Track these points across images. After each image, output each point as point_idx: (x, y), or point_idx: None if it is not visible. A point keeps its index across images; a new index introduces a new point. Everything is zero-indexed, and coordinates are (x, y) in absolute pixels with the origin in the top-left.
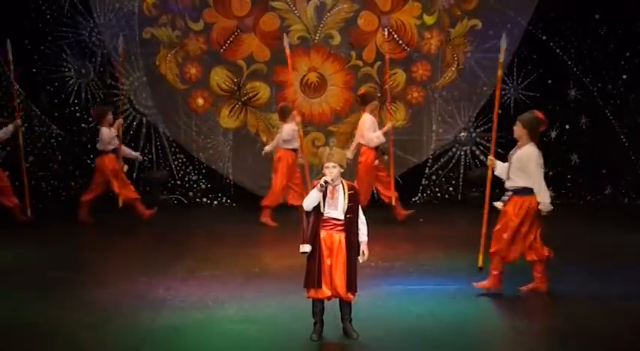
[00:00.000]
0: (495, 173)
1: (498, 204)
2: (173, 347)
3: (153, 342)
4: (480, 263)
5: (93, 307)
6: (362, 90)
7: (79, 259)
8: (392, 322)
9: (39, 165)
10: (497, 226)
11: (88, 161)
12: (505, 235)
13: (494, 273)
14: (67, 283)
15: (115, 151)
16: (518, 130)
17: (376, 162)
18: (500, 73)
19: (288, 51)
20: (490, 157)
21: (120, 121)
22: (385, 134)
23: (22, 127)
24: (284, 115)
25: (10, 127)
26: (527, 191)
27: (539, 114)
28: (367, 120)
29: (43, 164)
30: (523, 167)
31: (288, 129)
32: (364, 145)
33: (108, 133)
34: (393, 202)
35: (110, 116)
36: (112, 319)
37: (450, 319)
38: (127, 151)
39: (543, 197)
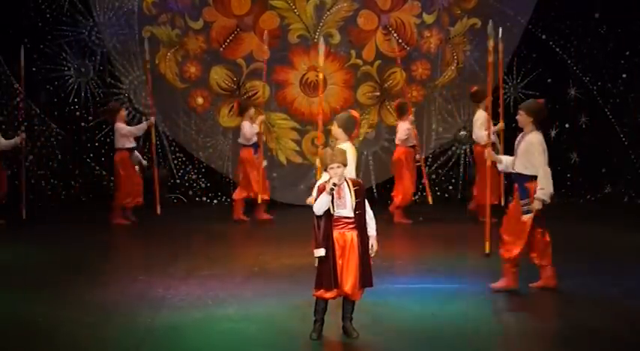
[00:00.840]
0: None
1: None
2: (173, 346)
3: (152, 341)
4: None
5: (92, 307)
6: (474, 88)
7: (79, 258)
8: (392, 321)
9: (38, 164)
10: None
11: (88, 160)
12: None
13: None
14: (67, 282)
15: (256, 146)
16: (337, 131)
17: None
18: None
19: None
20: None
21: (262, 117)
22: (495, 133)
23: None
24: (402, 113)
25: (144, 124)
26: None
27: (355, 112)
28: (480, 117)
29: (43, 163)
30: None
31: (404, 127)
32: (476, 143)
33: (250, 128)
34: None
35: (252, 111)
36: (112, 318)
37: (449, 318)
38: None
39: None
